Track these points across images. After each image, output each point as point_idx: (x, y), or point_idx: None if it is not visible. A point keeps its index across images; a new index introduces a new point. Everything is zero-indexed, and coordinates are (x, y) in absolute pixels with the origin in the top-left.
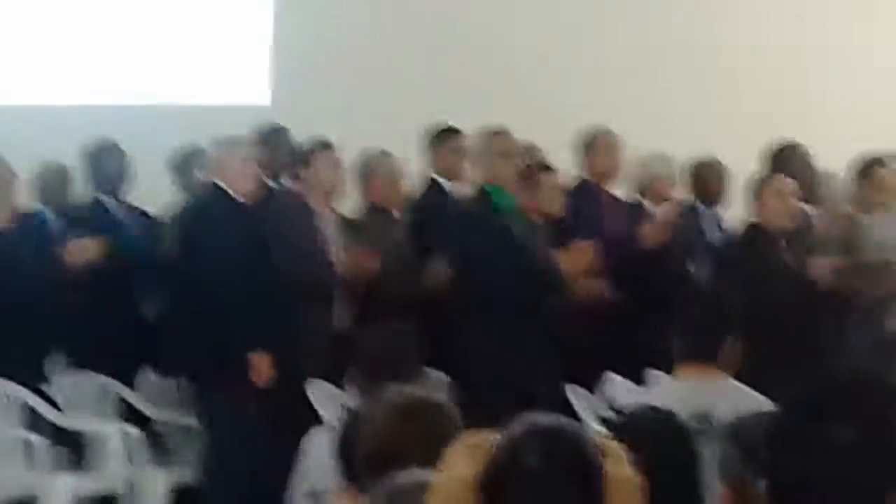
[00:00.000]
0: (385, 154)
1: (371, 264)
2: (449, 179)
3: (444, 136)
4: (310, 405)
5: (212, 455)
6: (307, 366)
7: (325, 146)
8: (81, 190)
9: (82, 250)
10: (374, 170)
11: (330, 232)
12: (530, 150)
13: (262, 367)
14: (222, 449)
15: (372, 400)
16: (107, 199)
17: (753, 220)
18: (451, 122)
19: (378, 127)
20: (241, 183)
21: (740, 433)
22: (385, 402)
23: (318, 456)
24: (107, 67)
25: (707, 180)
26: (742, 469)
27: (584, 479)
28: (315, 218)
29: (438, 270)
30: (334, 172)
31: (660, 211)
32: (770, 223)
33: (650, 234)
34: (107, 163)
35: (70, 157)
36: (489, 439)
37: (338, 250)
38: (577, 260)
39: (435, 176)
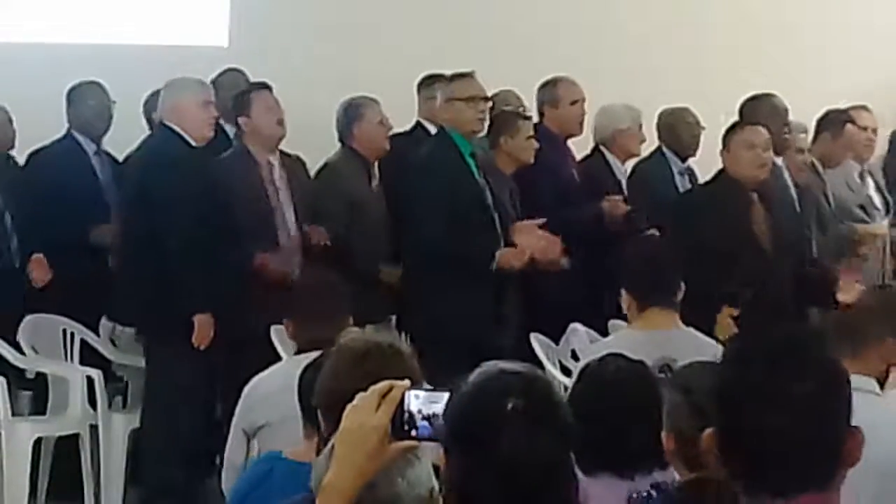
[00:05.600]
0: (371, 99)
1: (321, 238)
2: (434, 124)
3: (428, 82)
4: (273, 349)
5: (150, 407)
6: (260, 317)
7: (262, 87)
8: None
9: None
10: (361, 114)
11: (277, 180)
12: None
13: (204, 329)
14: (161, 402)
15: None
16: (81, 138)
17: (725, 170)
18: (415, 64)
19: (339, 69)
20: (197, 128)
21: (686, 381)
22: (342, 346)
23: (253, 398)
24: (62, 5)
25: (678, 129)
26: (687, 416)
27: (558, 419)
28: (258, 167)
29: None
30: (272, 115)
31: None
32: (739, 173)
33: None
34: (88, 102)
35: (17, 96)
36: (396, 390)
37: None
38: (534, 243)
39: (421, 120)
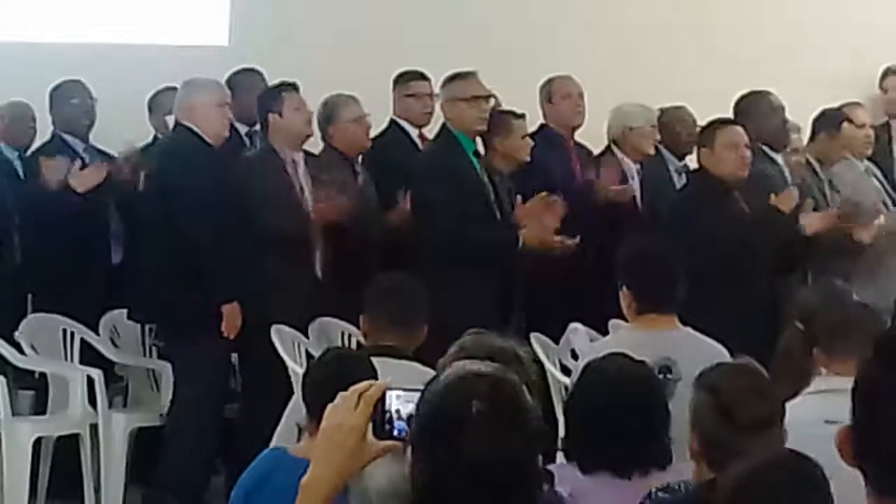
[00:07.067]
0: (347, 97)
1: (335, 215)
2: (409, 122)
3: (404, 79)
4: (274, 350)
5: (180, 402)
6: (277, 313)
7: (292, 87)
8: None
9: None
10: (336, 113)
11: (301, 177)
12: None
13: (232, 318)
14: (191, 396)
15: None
16: (69, 137)
17: (705, 168)
18: (415, 64)
19: (338, 69)
20: (213, 128)
21: (714, 382)
22: (463, 347)
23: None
24: (62, 5)
25: (675, 129)
26: (713, 417)
27: (523, 421)
28: (284, 166)
29: (399, 212)
30: (302, 115)
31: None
32: (722, 173)
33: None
34: (70, 101)
35: (21, 95)
36: (374, 389)
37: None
38: (540, 213)
39: (396, 118)
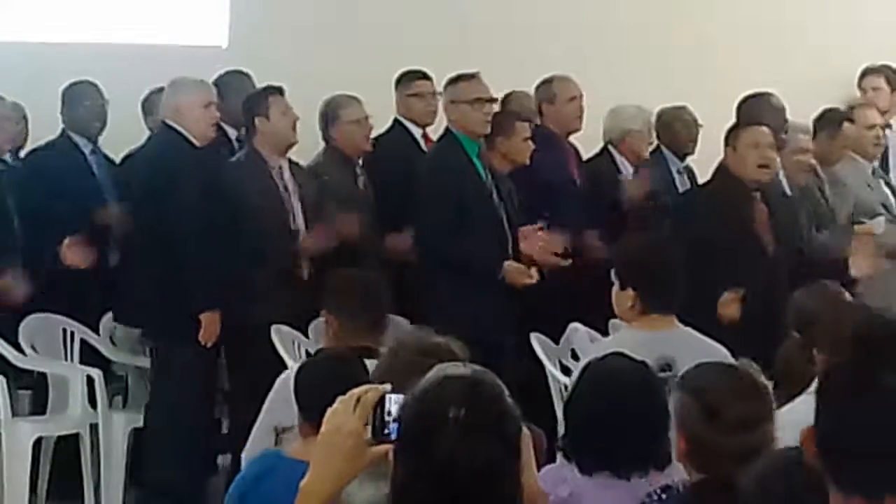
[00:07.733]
0: (349, 98)
1: (353, 230)
2: (413, 122)
3: (406, 79)
4: (273, 349)
5: (157, 405)
6: (268, 313)
7: (278, 91)
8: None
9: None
10: (337, 114)
11: (287, 182)
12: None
13: (210, 327)
14: (167, 401)
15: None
16: (77, 137)
17: (728, 168)
18: (416, 64)
19: (339, 69)
20: (199, 128)
21: (698, 382)
22: (400, 344)
23: (284, 395)
24: (62, 5)
25: (675, 128)
26: (699, 418)
27: (503, 428)
28: (270, 171)
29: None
30: (288, 119)
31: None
32: (743, 173)
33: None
34: (83, 102)
35: (21, 95)
36: (373, 393)
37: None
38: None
39: (399, 118)
